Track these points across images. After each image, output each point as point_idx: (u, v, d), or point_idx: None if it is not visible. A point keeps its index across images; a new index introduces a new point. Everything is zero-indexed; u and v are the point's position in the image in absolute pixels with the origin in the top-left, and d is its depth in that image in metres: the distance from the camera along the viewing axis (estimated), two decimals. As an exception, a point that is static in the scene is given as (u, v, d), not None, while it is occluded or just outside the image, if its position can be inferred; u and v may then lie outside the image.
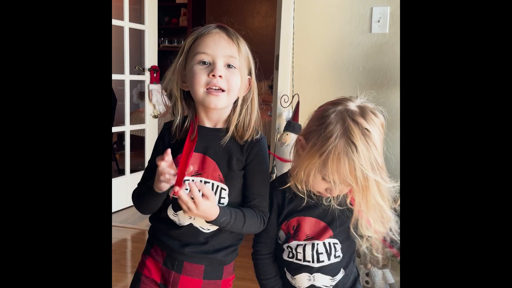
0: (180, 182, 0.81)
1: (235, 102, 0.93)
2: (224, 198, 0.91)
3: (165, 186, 0.84)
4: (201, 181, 0.90)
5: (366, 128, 0.83)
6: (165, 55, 4.81)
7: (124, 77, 2.75)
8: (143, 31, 2.85)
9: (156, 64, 2.96)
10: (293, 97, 2.07)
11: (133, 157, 3.00)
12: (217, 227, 0.91)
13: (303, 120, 1.92)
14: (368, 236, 0.91)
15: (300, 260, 0.95)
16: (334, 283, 0.96)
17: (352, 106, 0.86)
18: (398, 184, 0.81)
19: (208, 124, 0.94)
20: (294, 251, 0.95)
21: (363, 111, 0.85)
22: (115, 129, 2.87)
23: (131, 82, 2.89)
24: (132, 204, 1.01)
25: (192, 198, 0.81)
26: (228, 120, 0.94)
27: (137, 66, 2.95)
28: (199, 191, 0.81)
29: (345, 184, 0.84)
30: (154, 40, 2.94)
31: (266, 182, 0.96)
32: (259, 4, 5.11)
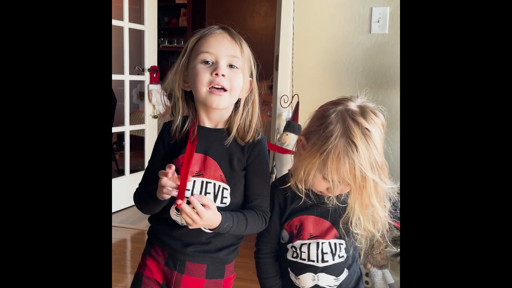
0: (182, 195, 0.82)
1: (236, 104, 0.94)
2: (226, 198, 0.92)
3: (167, 196, 0.85)
4: (202, 181, 0.91)
5: (366, 128, 0.83)
6: (165, 55, 4.83)
7: (123, 77, 2.75)
8: (143, 31, 2.85)
9: (156, 64, 2.96)
10: (292, 97, 2.07)
11: (133, 158, 2.99)
12: None
13: (302, 121, 1.92)
14: (356, 234, 0.92)
15: (304, 259, 0.95)
16: (338, 283, 0.96)
17: (353, 106, 0.87)
18: (398, 185, 0.81)
19: (208, 124, 0.95)
20: (298, 251, 0.95)
21: (363, 110, 0.85)
22: (115, 130, 2.87)
23: (131, 82, 2.89)
24: (131, 204, 1.01)
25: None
26: (229, 121, 0.94)
27: (137, 66, 2.95)
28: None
29: (345, 183, 0.84)
30: (154, 40, 2.94)
31: (267, 182, 0.97)
32: (258, 5, 5.11)
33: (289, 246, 0.97)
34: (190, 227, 0.84)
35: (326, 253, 0.94)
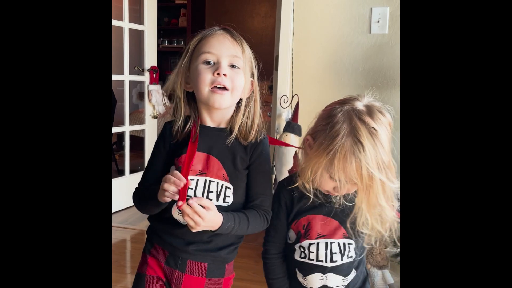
0: (183, 197, 0.82)
1: (238, 104, 0.94)
2: (228, 196, 0.92)
3: (168, 199, 0.85)
4: (205, 180, 0.91)
5: (373, 127, 0.82)
6: (165, 56, 4.82)
7: (123, 77, 2.75)
8: (143, 31, 2.85)
9: (156, 65, 2.96)
10: (292, 97, 2.07)
11: (133, 158, 2.99)
12: None
13: (302, 121, 1.93)
14: (363, 233, 0.91)
15: (312, 260, 0.95)
16: (346, 283, 0.96)
17: (359, 105, 0.86)
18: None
19: (210, 124, 0.95)
20: (306, 251, 0.95)
21: (370, 110, 0.85)
22: (114, 130, 2.87)
23: (131, 82, 2.88)
24: (131, 204, 1.01)
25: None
26: (231, 121, 0.94)
27: (137, 66, 2.95)
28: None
29: (352, 182, 0.84)
30: (154, 41, 2.94)
31: (269, 181, 0.97)
32: (258, 5, 5.11)
33: (296, 246, 0.96)
34: (193, 230, 0.85)
35: (335, 253, 0.94)
